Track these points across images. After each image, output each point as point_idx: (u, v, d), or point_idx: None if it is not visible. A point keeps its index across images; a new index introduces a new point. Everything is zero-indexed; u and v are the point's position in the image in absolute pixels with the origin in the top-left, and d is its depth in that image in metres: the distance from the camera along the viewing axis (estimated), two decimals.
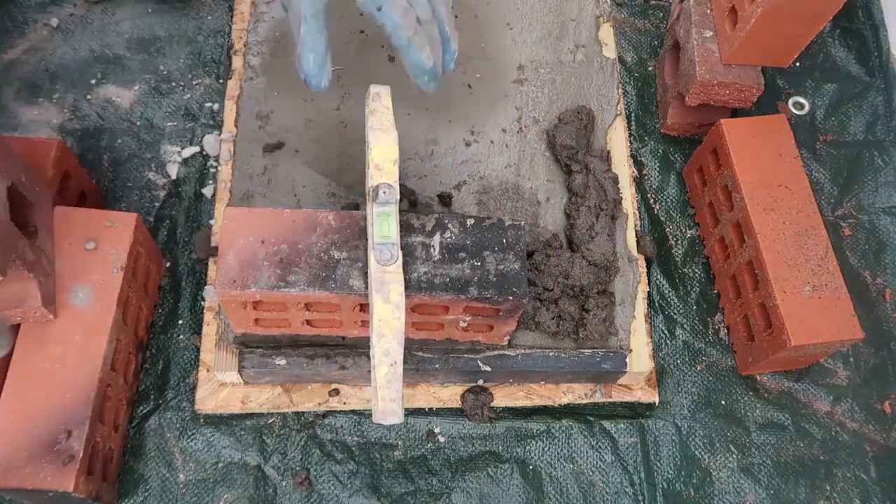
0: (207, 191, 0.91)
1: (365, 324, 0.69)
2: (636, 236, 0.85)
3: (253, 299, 0.64)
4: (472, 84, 0.90)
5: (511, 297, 0.64)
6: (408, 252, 0.64)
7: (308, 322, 0.69)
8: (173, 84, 0.98)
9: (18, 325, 0.70)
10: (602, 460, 0.82)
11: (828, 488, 0.83)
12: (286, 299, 0.64)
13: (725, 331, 0.90)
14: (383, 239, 0.61)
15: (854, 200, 1.00)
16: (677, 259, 0.94)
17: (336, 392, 0.80)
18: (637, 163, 0.99)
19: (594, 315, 0.75)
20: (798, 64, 1.09)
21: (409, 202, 0.83)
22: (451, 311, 0.67)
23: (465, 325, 0.70)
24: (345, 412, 0.81)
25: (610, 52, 0.94)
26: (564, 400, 0.83)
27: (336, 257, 0.63)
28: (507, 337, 0.74)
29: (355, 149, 0.85)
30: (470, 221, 0.66)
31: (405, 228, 0.65)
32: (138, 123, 0.95)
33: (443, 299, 0.64)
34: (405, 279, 0.62)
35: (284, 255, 0.63)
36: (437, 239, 0.65)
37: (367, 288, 0.62)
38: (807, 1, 0.80)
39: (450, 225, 0.66)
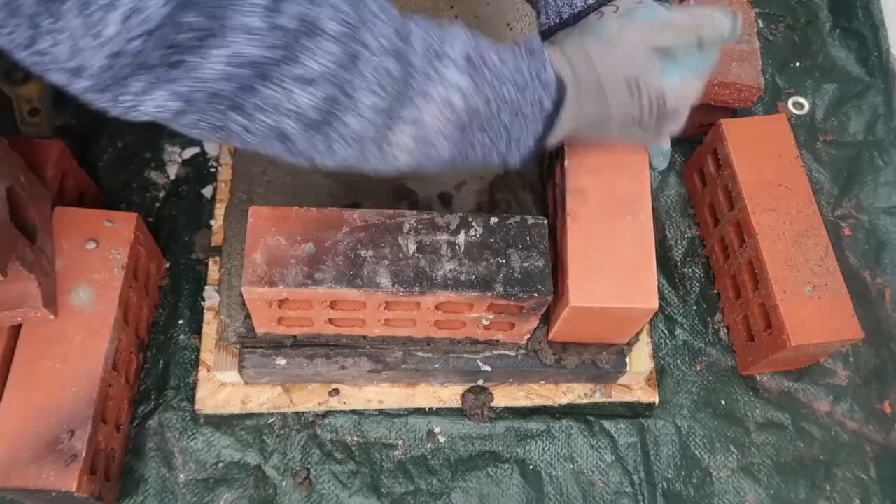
0: (207, 191, 0.91)
1: (388, 322, 0.70)
2: None
3: (279, 297, 0.64)
4: None
5: (536, 294, 0.64)
6: (433, 250, 0.65)
7: (331, 321, 0.70)
8: None
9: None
10: (602, 460, 0.82)
11: (828, 488, 0.83)
12: (313, 297, 0.64)
13: (725, 331, 0.90)
14: None
15: (854, 200, 1.00)
16: (677, 259, 0.94)
17: (336, 392, 0.80)
18: None
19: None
20: (798, 64, 1.09)
21: (410, 202, 0.83)
22: (476, 309, 0.67)
23: (488, 322, 0.70)
24: (345, 412, 0.81)
25: None
26: (564, 400, 0.83)
27: (363, 255, 0.64)
28: (528, 335, 0.74)
29: None
30: (494, 220, 0.67)
31: (430, 227, 0.66)
32: (139, 123, 0.94)
33: (469, 296, 0.64)
34: (431, 276, 0.63)
35: (311, 253, 0.63)
36: (461, 237, 0.66)
37: (393, 286, 0.63)
38: None
39: (474, 223, 0.66)
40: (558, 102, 0.57)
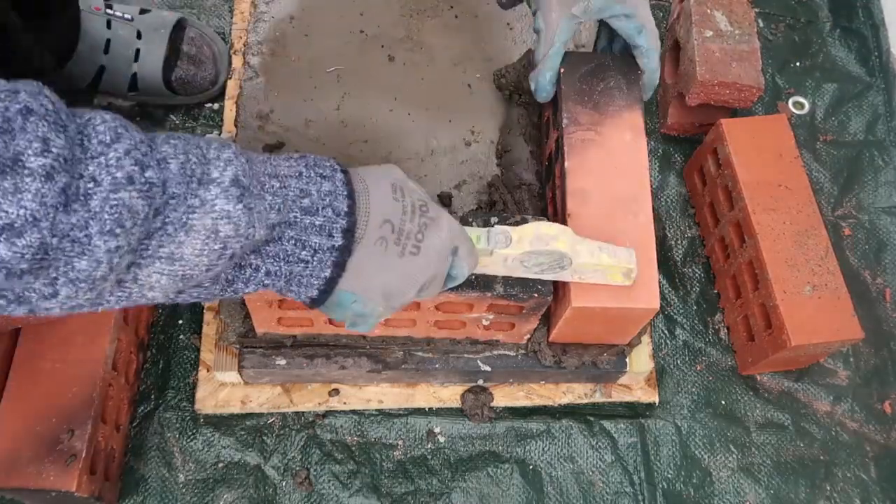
0: None
1: (388, 322, 0.70)
2: None
3: (278, 297, 0.64)
4: (472, 84, 0.90)
5: (536, 294, 0.64)
6: None
7: (331, 321, 0.70)
8: None
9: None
10: (602, 460, 0.82)
11: (828, 488, 0.83)
12: None
13: (725, 331, 0.90)
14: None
15: (854, 200, 1.00)
16: (677, 259, 0.94)
17: (336, 392, 0.80)
18: None
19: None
20: (798, 64, 1.09)
21: None
22: (475, 309, 0.67)
23: (488, 323, 0.70)
24: (345, 412, 0.81)
25: None
26: (564, 400, 0.83)
27: None
28: (528, 336, 0.74)
29: (355, 149, 0.85)
30: (494, 220, 0.66)
31: None
32: (138, 124, 0.95)
33: (468, 296, 0.64)
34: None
35: None
36: None
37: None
38: None
39: (474, 223, 0.66)
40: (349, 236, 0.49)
